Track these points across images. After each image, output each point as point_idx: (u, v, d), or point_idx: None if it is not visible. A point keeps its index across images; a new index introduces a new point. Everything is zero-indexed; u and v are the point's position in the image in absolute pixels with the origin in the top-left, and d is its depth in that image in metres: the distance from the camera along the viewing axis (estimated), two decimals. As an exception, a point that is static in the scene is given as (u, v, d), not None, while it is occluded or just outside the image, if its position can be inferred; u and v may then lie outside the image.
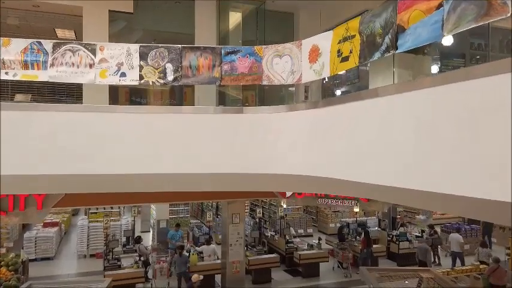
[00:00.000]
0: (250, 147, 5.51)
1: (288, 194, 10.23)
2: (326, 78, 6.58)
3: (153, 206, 16.08)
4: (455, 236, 12.54)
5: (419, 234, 14.05)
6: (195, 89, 8.59)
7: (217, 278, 11.31)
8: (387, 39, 3.96)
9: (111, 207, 15.17)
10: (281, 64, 5.63)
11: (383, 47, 4.04)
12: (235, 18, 9.94)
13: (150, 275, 11.57)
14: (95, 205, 10.12)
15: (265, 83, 5.73)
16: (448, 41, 5.56)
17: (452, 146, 2.95)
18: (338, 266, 12.96)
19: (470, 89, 2.83)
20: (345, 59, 4.66)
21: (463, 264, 11.79)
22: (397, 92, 3.65)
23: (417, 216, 16.27)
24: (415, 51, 5.11)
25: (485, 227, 15.10)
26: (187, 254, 11.17)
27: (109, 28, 8.68)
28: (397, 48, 3.86)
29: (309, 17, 9.83)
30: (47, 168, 5.11)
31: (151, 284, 11.47)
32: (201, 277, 8.81)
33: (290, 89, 9.12)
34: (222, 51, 5.73)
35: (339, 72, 4.95)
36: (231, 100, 8.45)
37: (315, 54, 5.23)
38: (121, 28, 9.24)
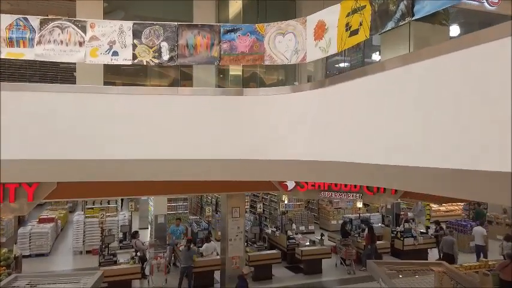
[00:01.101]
0: (251, 132, 5.15)
1: (290, 187, 9.85)
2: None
3: (151, 203, 15.73)
4: (479, 230, 12.28)
5: (424, 231, 13.70)
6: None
7: (217, 274, 10.94)
8: (402, 6, 3.60)
9: (108, 202, 14.82)
10: (284, 42, 5.26)
11: (397, 15, 3.68)
12: (235, 7, 9.61)
13: (147, 271, 11.22)
14: (88, 197, 9.75)
15: (267, 63, 5.36)
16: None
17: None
18: (341, 263, 12.60)
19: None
20: (354, 32, 4.29)
21: (485, 257, 11.51)
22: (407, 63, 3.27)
23: (409, 213, 15.92)
24: (432, 19, 4.74)
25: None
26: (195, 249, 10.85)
27: (104, 17, 8.34)
28: (413, 15, 3.49)
29: (312, 3, 9.48)
30: (34, 153, 4.75)
31: (148, 281, 11.12)
32: (252, 269, 9.04)
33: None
34: (221, 29, 5.37)
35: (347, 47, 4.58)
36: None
37: (320, 30, 4.87)
38: (118, 18, 8.90)
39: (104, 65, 5.81)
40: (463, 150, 2.67)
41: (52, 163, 4.91)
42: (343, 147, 4.13)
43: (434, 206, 19.47)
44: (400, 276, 5.66)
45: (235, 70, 7.83)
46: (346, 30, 4.41)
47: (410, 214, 16.26)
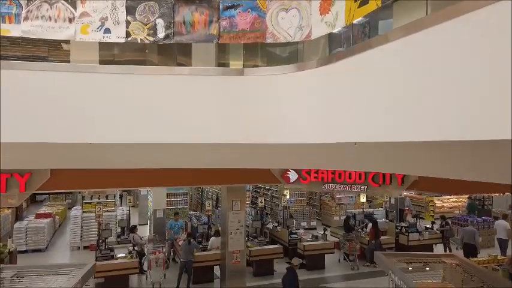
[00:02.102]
0: (253, 114, 4.82)
1: (292, 179, 9.54)
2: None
3: (150, 198, 15.45)
4: (502, 223, 12.00)
5: (430, 226, 13.37)
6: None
7: (216, 269, 10.63)
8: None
9: (106, 197, 14.52)
10: (287, 19, 4.92)
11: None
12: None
13: (145, 267, 10.92)
14: (83, 188, 9.45)
15: (269, 41, 5.02)
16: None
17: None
18: (344, 259, 12.29)
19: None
20: (364, 2, 3.96)
21: (504, 252, 11.23)
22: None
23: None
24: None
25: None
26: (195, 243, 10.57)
27: None
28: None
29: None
30: (21, 136, 4.43)
31: (147, 277, 10.81)
32: (301, 260, 9.13)
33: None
34: (221, 6, 5.04)
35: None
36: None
37: (326, 4, 4.53)
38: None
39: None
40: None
41: (42, 147, 4.60)
42: (353, 126, 3.81)
43: (438, 202, 19.18)
44: (410, 268, 5.34)
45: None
46: (355, 0, 4.08)
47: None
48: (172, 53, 5.47)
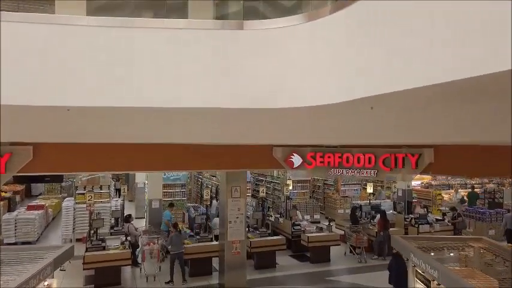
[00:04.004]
0: (254, 75, 4.14)
1: (296, 163, 8.86)
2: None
3: (147, 190, 14.82)
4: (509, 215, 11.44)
5: (441, 218, 12.69)
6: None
7: (215, 262, 9.96)
8: None
9: (100, 188, 13.85)
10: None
11: None
12: None
13: (140, 259, 10.26)
14: (69, 171, 8.77)
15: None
16: None
17: None
18: (350, 251, 11.62)
19: None
20: None
21: None
22: None
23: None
24: None
25: None
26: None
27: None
28: None
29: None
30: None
31: (141, 269, 10.16)
32: None
33: None
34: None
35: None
36: None
37: None
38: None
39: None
40: None
41: (16, 112, 3.92)
42: (373, 80, 3.13)
43: (446, 196, 18.53)
44: (432, 254, 4.68)
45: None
46: None
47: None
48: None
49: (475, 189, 17.63)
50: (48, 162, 7.38)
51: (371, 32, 3.13)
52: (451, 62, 2.31)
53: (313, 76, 3.85)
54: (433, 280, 4.20)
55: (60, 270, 4.66)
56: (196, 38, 4.14)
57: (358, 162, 8.54)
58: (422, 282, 4.67)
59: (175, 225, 9.95)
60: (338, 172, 8.81)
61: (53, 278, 4.48)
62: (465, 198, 16.52)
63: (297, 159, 8.87)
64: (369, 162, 8.44)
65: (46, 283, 4.15)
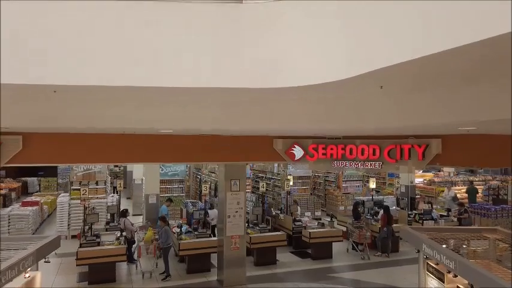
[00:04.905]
0: (254, 51, 3.82)
1: (298, 156, 8.55)
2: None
3: (144, 186, 14.49)
4: None
5: (446, 214, 12.38)
6: None
7: (213, 258, 9.64)
8: None
9: (96, 183, 13.53)
10: None
11: None
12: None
13: (136, 256, 9.94)
14: (60, 162, 8.44)
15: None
16: None
17: None
18: (353, 248, 11.30)
19: None
20: None
21: None
22: None
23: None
24: None
25: None
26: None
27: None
28: None
29: None
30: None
31: (137, 266, 9.83)
32: None
33: None
34: None
35: None
36: None
37: None
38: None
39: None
40: None
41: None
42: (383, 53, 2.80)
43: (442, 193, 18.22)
44: (444, 246, 4.36)
45: None
46: None
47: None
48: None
49: (473, 185, 17.45)
50: (39, 153, 7.06)
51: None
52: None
53: (318, 51, 3.52)
54: (449, 272, 3.88)
55: (45, 261, 4.33)
56: (191, 11, 3.81)
57: (362, 154, 8.23)
58: (434, 275, 4.35)
59: (163, 219, 9.68)
60: (341, 164, 8.50)
61: (37, 270, 4.16)
62: (458, 196, 16.14)
63: (298, 151, 8.55)
64: (374, 154, 8.13)
65: (28, 275, 3.83)
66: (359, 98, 4.50)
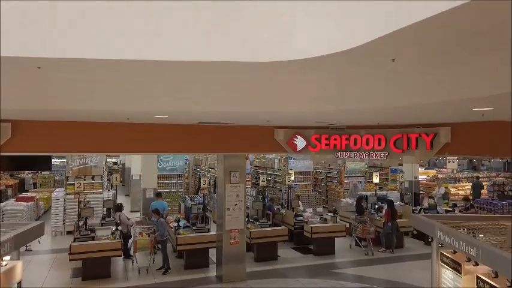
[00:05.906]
0: (253, 24, 3.49)
1: (300, 146, 8.23)
2: None
3: (142, 182, 14.16)
4: None
5: (450, 209, 12.04)
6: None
7: (212, 254, 9.30)
8: None
9: (93, 178, 13.18)
10: None
11: None
12: None
13: (132, 251, 9.61)
14: (50, 151, 8.06)
15: None
16: None
17: None
18: (356, 244, 10.98)
19: None
20: None
21: None
22: None
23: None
24: None
25: None
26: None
27: None
28: None
29: None
30: None
31: (133, 262, 9.51)
32: None
33: None
34: None
35: None
36: None
37: None
38: None
39: None
40: None
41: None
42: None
43: (453, 190, 17.89)
44: (461, 230, 4.02)
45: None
46: None
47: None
48: None
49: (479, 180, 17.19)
50: (28, 141, 6.73)
51: None
52: None
53: (327, 19, 3.19)
54: (468, 260, 3.55)
55: (26, 250, 4.00)
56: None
57: (367, 144, 7.90)
58: (449, 266, 4.02)
59: (157, 212, 9.45)
60: (345, 155, 8.17)
61: (18, 260, 3.83)
62: (447, 191, 15.79)
63: (300, 142, 8.23)
64: (379, 144, 7.79)
65: (5, 263, 3.51)
66: (368, 73, 4.16)
